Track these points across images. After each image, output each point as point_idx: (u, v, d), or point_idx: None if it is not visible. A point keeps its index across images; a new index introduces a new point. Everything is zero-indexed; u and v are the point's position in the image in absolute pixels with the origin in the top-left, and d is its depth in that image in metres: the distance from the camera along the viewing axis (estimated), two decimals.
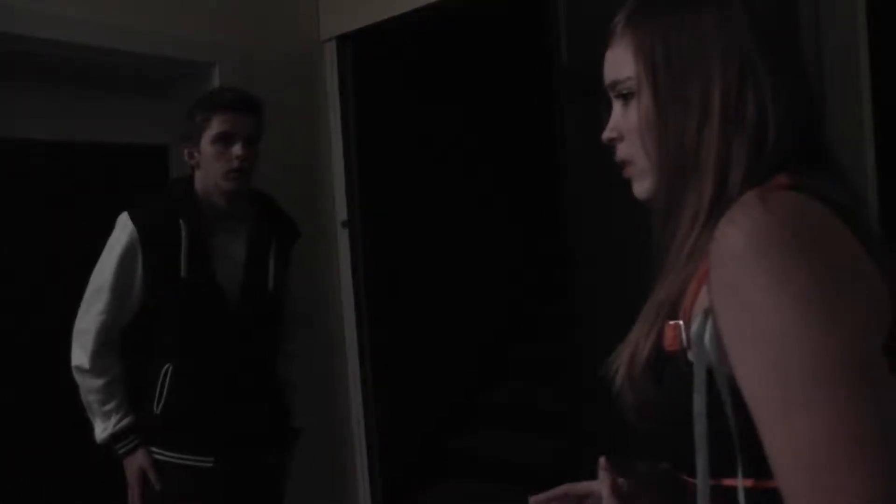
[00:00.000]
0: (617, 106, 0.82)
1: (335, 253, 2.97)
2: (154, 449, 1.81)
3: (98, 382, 1.76)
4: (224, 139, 1.82)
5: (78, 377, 1.78)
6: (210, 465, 1.80)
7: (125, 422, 1.78)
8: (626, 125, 0.80)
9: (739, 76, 0.71)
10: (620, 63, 0.79)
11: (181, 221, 1.80)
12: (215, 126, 1.82)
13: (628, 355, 0.76)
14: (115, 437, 1.77)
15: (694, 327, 0.68)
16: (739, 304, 0.62)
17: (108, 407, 1.77)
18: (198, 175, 1.88)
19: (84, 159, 2.37)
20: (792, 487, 0.59)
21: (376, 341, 3.00)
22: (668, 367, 0.73)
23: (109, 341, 1.79)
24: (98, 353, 1.77)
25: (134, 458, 1.78)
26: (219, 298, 1.83)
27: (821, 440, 0.56)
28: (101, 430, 1.77)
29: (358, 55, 2.95)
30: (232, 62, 2.54)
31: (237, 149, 1.82)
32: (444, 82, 3.72)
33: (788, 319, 0.58)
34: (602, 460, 0.86)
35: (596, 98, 0.92)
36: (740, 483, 0.67)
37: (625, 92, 0.79)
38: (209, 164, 1.84)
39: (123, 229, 1.79)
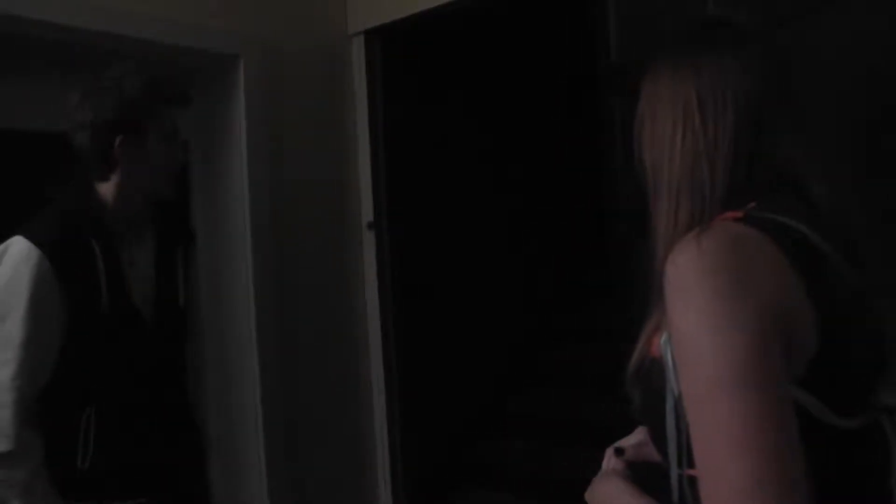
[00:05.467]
0: None
1: (360, 255, 2.89)
2: None
3: (21, 474, 1.41)
4: (173, 137, 1.56)
5: (2, 469, 1.42)
6: None
7: None
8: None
9: (682, 128, 0.85)
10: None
11: (91, 240, 1.48)
12: (168, 120, 1.55)
13: (632, 361, 0.90)
14: None
15: (663, 337, 0.82)
16: (672, 319, 0.76)
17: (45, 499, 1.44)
18: (120, 174, 1.54)
19: None
20: (698, 469, 0.72)
21: (402, 346, 2.92)
22: (653, 371, 0.84)
23: (29, 410, 1.44)
24: (21, 431, 1.41)
25: None
26: (139, 325, 1.57)
27: (710, 432, 0.70)
28: None
29: (387, 50, 2.86)
30: (257, 55, 2.47)
31: (181, 149, 1.61)
32: (478, 80, 3.62)
33: (697, 332, 0.72)
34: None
35: None
36: (674, 471, 0.82)
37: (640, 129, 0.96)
38: (151, 164, 1.54)
39: (26, 261, 1.39)
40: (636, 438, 1.07)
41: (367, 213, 2.87)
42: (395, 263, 2.89)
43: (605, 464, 1.05)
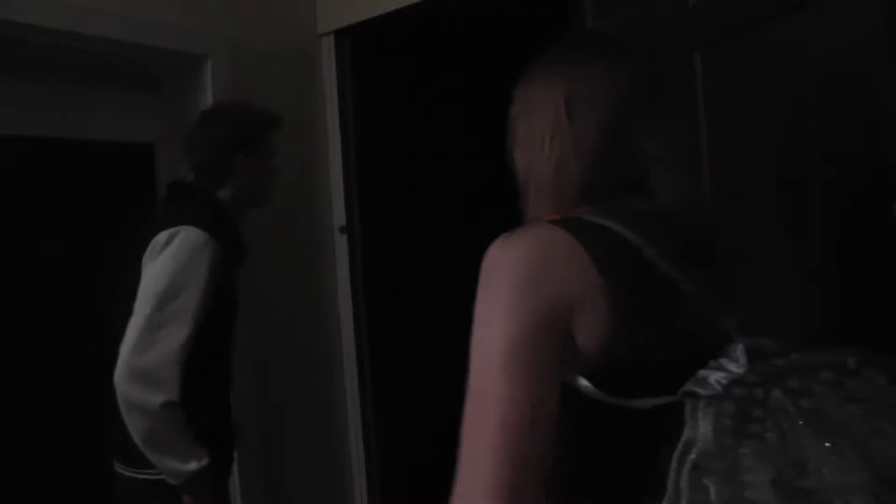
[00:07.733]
0: None
1: (332, 261, 2.84)
2: None
3: (184, 414, 1.64)
4: (275, 153, 1.94)
5: (166, 415, 1.61)
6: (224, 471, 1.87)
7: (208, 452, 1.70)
8: None
9: (552, 130, 0.91)
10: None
11: (225, 241, 1.74)
12: (274, 143, 1.93)
13: None
14: (205, 469, 1.67)
15: None
16: (476, 306, 0.83)
17: (193, 437, 1.66)
18: (236, 184, 1.86)
19: (64, 157, 2.23)
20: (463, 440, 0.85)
21: (375, 353, 2.87)
22: None
23: None
24: (182, 385, 1.64)
25: (207, 488, 1.71)
26: (235, 315, 1.89)
27: (475, 412, 0.80)
28: (197, 461, 1.66)
29: (358, 50, 2.81)
30: (224, 56, 2.40)
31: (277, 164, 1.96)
32: (450, 81, 3.57)
33: (482, 319, 0.81)
34: None
35: None
36: None
37: None
38: (262, 178, 1.90)
39: (205, 247, 1.65)
40: None
41: (339, 217, 2.81)
42: (368, 269, 2.84)
43: None
